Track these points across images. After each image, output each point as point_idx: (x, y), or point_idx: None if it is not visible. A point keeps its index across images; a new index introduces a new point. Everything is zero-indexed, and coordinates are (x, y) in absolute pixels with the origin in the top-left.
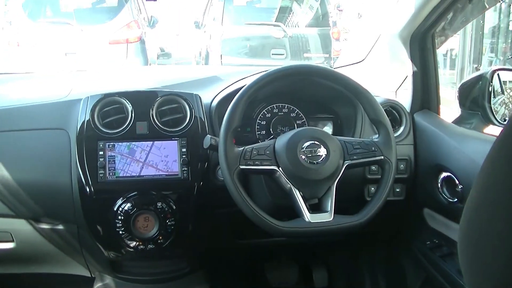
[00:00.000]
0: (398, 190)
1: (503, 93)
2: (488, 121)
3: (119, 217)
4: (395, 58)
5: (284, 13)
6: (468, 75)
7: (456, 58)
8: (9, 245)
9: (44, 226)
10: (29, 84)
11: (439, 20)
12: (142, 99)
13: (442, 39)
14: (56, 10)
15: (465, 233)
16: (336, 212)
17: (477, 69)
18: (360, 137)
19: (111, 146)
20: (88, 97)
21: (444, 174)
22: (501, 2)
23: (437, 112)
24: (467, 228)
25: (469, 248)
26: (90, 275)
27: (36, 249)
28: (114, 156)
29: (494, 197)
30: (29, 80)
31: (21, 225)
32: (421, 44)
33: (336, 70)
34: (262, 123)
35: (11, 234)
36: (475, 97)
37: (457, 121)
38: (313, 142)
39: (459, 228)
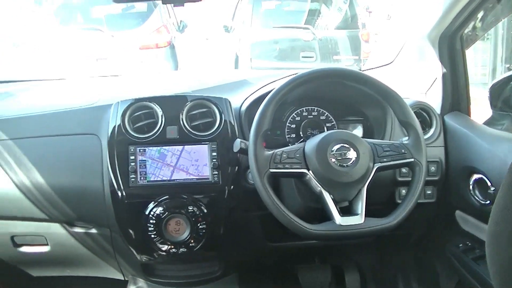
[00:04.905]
0: (429, 192)
1: None
2: None
3: (151, 221)
4: (424, 59)
5: (313, 15)
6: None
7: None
8: (44, 249)
9: (78, 230)
10: (61, 90)
11: (468, 20)
12: (172, 104)
13: (472, 39)
14: (87, 17)
15: (493, 234)
16: (367, 214)
17: (509, 69)
18: (390, 140)
19: (142, 150)
20: (119, 102)
21: (475, 176)
22: None
23: (468, 114)
24: (495, 229)
25: (498, 249)
26: (123, 278)
27: (70, 252)
28: (145, 160)
29: None
30: (61, 86)
31: (55, 229)
32: (450, 45)
33: (365, 72)
34: (291, 126)
35: (45, 238)
36: (507, 98)
37: (488, 122)
38: (342, 145)
39: (487, 229)
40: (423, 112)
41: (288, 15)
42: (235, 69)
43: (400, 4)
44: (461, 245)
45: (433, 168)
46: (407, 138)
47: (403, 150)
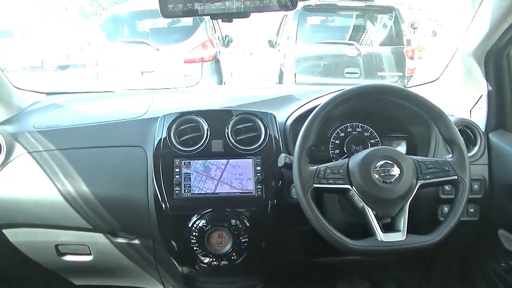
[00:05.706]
0: (472, 210)
1: None
2: None
3: (194, 233)
4: (470, 77)
5: (357, 31)
6: None
7: None
8: (87, 258)
9: (121, 240)
10: (108, 102)
11: None
12: (218, 118)
13: None
14: (133, 30)
15: None
16: (408, 231)
17: None
18: (433, 157)
19: (187, 163)
20: (165, 115)
21: None
22: None
23: None
24: None
25: None
26: None
27: (112, 262)
28: (190, 173)
29: None
30: (108, 99)
31: (98, 239)
32: (496, 62)
33: (410, 89)
34: (336, 142)
35: (89, 247)
36: None
37: None
38: (386, 161)
39: None
40: (467, 129)
41: (333, 30)
42: (279, 84)
43: (446, 21)
44: (503, 264)
45: (476, 186)
46: (451, 155)
47: (446, 168)
